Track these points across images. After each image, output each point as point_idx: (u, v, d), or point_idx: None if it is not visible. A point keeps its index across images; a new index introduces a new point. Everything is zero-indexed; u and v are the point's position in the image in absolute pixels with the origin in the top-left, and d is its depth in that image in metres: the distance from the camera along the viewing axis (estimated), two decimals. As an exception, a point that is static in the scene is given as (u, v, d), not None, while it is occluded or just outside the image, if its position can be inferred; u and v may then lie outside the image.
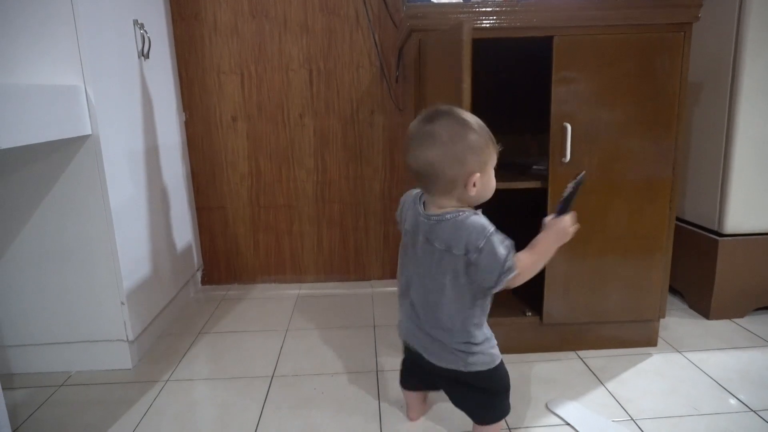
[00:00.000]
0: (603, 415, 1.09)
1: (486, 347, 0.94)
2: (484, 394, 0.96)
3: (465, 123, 0.86)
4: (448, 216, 0.88)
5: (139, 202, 1.41)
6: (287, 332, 1.54)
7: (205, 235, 1.92)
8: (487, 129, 0.89)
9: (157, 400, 1.21)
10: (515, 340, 1.34)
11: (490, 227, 0.86)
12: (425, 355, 0.97)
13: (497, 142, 0.90)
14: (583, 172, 0.95)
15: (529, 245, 0.91)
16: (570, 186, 0.91)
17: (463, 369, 0.93)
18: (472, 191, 0.88)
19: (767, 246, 1.48)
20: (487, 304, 0.94)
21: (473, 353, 0.92)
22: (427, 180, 0.88)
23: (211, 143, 1.84)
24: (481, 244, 0.84)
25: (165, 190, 1.60)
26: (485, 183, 0.89)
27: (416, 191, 0.97)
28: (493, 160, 0.89)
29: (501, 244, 0.85)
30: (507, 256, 0.85)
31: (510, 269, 0.85)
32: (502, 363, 0.96)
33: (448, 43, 1.02)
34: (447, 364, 0.94)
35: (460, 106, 0.94)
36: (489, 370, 0.93)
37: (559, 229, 0.91)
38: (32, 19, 1.10)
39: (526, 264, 0.87)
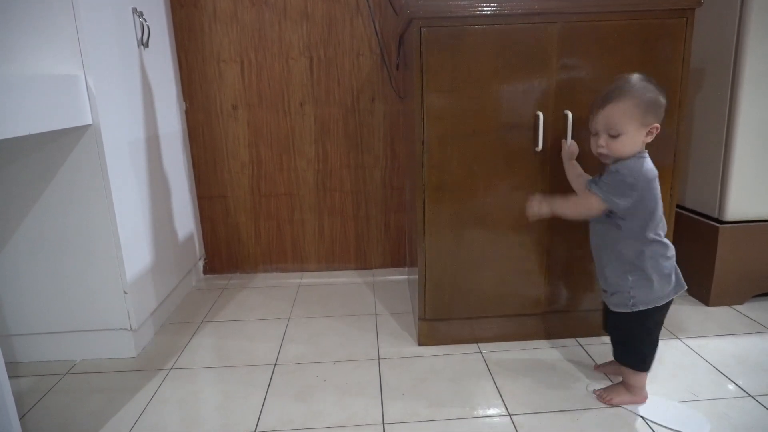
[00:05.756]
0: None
1: None
2: None
3: None
4: None
5: (140, 192, 1.41)
6: (289, 320, 1.55)
7: (206, 224, 1.92)
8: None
9: (160, 388, 1.22)
10: (517, 328, 1.35)
11: None
12: None
13: None
14: None
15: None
16: None
17: None
18: None
19: (767, 233, 1.48)
20: None
21: None
22: None
23: (212, 132, 1.84)
24: None
25: (166, 179, 1.60)
26: None
27: None
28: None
29: None
30: None
31: None
32: None
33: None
34: None
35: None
36: None
37: None
38: (31, 8, 1.10)
39: None
